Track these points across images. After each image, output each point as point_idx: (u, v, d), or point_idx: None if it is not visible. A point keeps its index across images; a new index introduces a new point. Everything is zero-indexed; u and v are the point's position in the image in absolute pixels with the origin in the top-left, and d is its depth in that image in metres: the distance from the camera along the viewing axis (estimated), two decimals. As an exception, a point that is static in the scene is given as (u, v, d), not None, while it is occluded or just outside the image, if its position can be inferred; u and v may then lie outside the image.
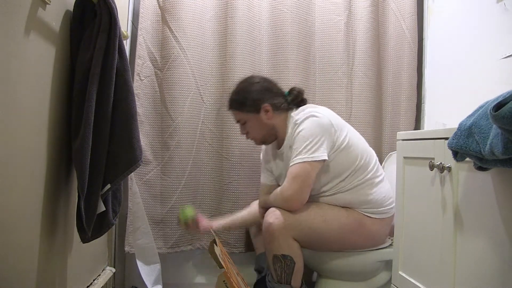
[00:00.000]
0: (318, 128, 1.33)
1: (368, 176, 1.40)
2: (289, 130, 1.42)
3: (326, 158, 1.32)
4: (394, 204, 1.42)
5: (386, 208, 1.42)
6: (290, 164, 1.33)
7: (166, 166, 1.71)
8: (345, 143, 1.37)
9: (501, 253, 0.78)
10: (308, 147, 1.31)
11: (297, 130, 1.35)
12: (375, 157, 1.48)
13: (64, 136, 1.04)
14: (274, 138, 1.50)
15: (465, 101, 1.43)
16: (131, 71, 1.47)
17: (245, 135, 1.53)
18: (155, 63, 1.74)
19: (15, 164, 0.82)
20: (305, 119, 1.35)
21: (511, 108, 0.60)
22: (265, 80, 1.51)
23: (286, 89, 1.52)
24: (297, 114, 1.41)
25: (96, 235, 1.10)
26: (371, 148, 1.50)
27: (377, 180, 1.43)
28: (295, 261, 1.31)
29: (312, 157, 1.30)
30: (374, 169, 1.43)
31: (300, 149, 1.31)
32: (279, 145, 1.49)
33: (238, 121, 1.52)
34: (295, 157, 1.32)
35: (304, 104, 1.49)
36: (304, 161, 1.30)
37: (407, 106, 1.82)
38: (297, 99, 1.48)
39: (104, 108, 1.03)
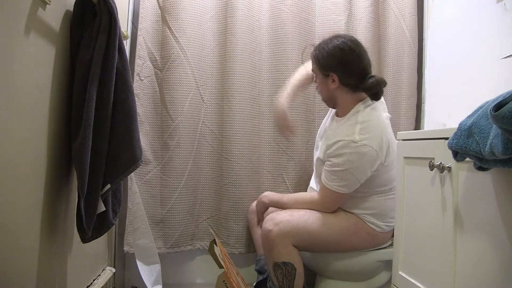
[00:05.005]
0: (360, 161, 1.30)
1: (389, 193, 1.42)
2: (350, 115, 1.38)
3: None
4: (391, 224, 1.42)
5: (381, 223, 1.41)
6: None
7: (166, 166, 1.71)
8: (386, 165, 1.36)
9: (501, 253, 0.78)
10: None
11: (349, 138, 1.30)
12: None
13: (64, 136, 1.04)
14: (335, 106, 1.46)
15: (465, 101, 1.43)
16: (131, 71, 1.48)
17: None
18: (155, 63, 1.74)
19: (15, 164, 0.82)
20: (358, 146, 1.28)
21: (511, 108, 0.60)
22: (351, 51, 1.34)
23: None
24: (363, 111, 1.36)
25: (96, 235, 1.10)
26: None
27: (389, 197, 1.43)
28: (296, 267, 1.31)
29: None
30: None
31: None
32: (338, 114, 1.46)
33: (312, 71, 1.47)
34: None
35: (377, 99, 1.36)
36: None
37: (407, 106, 1.82)
38: (370, 90, 1.34)
39: (104, 108, 1.03)
